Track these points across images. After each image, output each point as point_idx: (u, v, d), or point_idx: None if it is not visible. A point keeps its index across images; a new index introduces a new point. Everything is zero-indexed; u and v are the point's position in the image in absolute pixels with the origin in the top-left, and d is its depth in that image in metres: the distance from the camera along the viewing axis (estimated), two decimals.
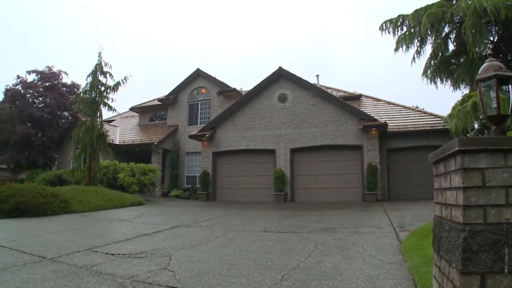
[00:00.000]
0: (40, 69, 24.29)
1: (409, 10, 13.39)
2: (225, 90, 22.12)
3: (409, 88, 74.95)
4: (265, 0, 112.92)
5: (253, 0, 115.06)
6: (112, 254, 4.96)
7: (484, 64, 2.49)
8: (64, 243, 5.69)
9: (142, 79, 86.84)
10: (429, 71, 13.45)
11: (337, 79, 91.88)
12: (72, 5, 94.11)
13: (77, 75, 70.66)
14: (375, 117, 15.77)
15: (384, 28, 13.14)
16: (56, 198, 9.99)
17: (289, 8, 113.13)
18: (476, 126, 12.04)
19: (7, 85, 23.52)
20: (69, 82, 25.34)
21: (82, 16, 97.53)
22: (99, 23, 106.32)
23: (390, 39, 13.86)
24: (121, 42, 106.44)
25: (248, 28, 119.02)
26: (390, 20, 13.04)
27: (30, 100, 23.45)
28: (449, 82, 13.52)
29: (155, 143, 20.47)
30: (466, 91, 12.91)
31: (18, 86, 23.53)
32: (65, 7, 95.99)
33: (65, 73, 25.17)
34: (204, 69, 22.98)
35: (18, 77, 23.76)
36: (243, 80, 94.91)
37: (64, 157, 23.27)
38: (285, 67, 17.44)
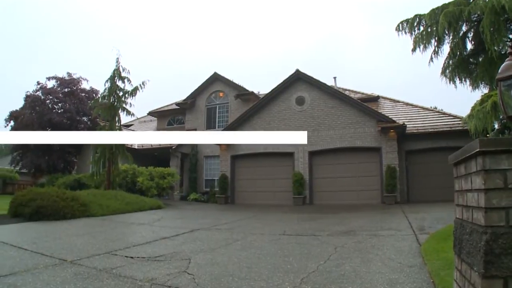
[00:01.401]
0: (59, 75, 24.87)
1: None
2: (242, 94, 22.15)
3: (426, 89, 74.08)
4: (273, 4, 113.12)
5: (261, 3, 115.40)
6: (132, 257, 5.02)
7: (504, 63, 2.45)
8: (84, 246, 5.79)
9: (157, 83, 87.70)
10: (447, 71, 13.23)
11: (352, 80, 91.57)
12: (80, 10, 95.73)
13: (91, 78, 71.60)
14: (394, 119, 15.63)
15: (400, 28, 13.00)
16: (76, 202, 10.14)
17: (297, 11, 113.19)
18: (496, 126, 11.77)
19: (27, 91, 24.15)
20: (88, 88, 25.87)
21: (93, 21, 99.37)
22: (109, 27, 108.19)
23: (406, 40, 13.69)
24: (132, 46, 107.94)
25: (256, 30, 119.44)
26: (406, 20, 12.89)
27: (49, 105, 23.89)
28: (468, 81, 13.27)
29: (173, 147, 20.62)
30: (486, 90, 12.66)
31: (38, 92, 24.03)
32: (74, 12, 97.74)
33: (86, 80, 25.81)
34: (218, 71, 23.08)
35: (38, 83, 24.30)
36: (253, 81, 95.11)
37: (83, 161, 23.60)
38: (298, 70, 17.44)
